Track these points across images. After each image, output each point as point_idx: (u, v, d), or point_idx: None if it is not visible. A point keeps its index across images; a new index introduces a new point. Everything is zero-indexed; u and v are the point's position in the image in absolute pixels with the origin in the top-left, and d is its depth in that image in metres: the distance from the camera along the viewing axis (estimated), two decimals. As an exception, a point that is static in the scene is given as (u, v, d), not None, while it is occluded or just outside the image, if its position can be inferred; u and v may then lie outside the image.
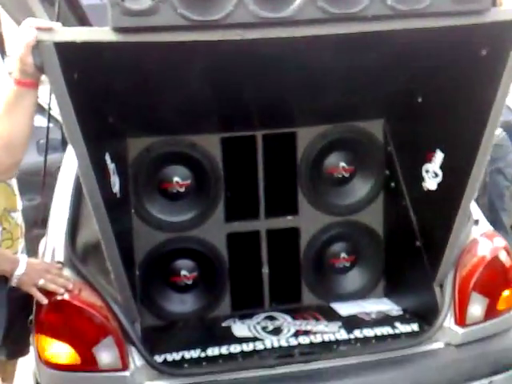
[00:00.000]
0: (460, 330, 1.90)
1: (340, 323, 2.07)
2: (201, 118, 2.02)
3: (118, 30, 1.35)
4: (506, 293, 1.95)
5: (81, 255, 1.83)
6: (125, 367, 1.70)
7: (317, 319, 2.13)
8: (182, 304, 2.24)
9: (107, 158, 1.67)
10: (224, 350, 1.90)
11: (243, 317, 2.18)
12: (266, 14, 1.38)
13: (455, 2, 1.45)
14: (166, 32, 1.36)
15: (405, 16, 1.45)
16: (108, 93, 1.65)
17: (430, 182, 1.95)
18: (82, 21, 2.16)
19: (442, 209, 1.88)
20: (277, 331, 2.04)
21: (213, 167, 2.17)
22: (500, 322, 1.96)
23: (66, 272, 1.78)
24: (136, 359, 1.72)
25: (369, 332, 1.98)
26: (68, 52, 1.35)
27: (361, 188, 2.31)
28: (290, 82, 1.82)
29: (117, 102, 1.73)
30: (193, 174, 2.18)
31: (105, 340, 1.68)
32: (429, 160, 1.93)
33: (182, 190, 2.18)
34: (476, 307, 1.91)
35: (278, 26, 1.41)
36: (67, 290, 1.69)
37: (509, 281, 1.97)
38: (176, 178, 2.17)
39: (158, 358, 1.82)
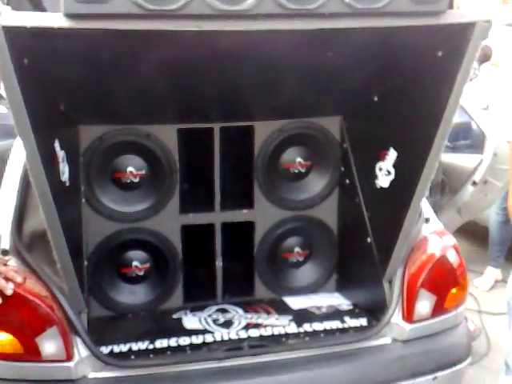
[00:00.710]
0: (407, 326, 1.94)
1: (291, 317, 2.09)
2: (157, 108, 1.99)
3: (71, 16, 1.31)
4: (453, 291, 2.00)
5: (27, 244, 1.79)
6: (69, 358, 1.67)
7: (268, 312, 2.14)
8: (132, 295, 2.21)
9: (56, 145, 1.63)
10: (173, 342, 1.89)
11: (195, 309, 2.18)
12: (224, 7, 1.37)
13: (413, 3, 1.46)
14: (120, 20, 1.34)
15: (362, 14, 1.45)
16: (60, 80, 1.60)
17: (383, 180, 1.99)
18: (37, 7, 2.09)
19: (394, 206, 1.92)
20: (227, 324, 2.04)
21: (168, 158, 2.14)
22: (447, 319, 2.01)
23: (11, 260, 1.73)
24: (81, 350, 1.70)
25: (318, 326, 2.01)
26: (18, 37, 1.31)
27: (316, 184, 2.32)
28: (248, 76, 1.81)
29: (69, 89, 1.69)
30: (147, 164, 2.15)
31: (49, 330, 1.65)
32: (382, 158, 1.96)
33: (136, 180, 2.15)
34: (424, 304, 1.95)
35: (235, 18, 1.40)
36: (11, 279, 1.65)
37: (457, 279, 2.02)
38: (130, 168, 2.13)
39: (105, 349, 1.80)
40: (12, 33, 1.29)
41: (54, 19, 1.32)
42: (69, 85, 1.66)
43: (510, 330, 1.81)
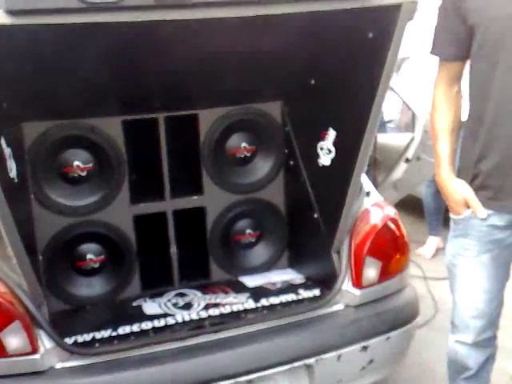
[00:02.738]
0: (357, 292, 2.05)
1: (248, 294, 2.17)
2: (100, 100, 2.01)
3: (11, 12, 1.31)
4: (397, 256, 2.13)
5: None
6: (34, 350, 1.68)
7: (226, 292, 2.21)
8: (89, 288, 2.22)
9: (2, 142, 1.63)
10: (135, 327, 1.93)
11: (154, 296, 2.21)
12: None
13: None
14: (61, 14, 1.35)
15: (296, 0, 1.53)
16: (1, 78, 1.59)
17: (325, 159, 2.08)
18: None
19: (336, 182, 2.02)
20: (187, 306, 2.09)
21: (115, 150, 2.16)
22: (393, 283, 2.14)
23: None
24: (45, 342, 1.71)
25: (274, 300, 2.09)
26: None
27: (262, 167, 2.40)
28: (189, 65, 1.86)
29: (11, 86, 1.68)
30: (94, 157, 2.16)
31: (12, 325, 1.65)
32: (323, 138, 2.05)
33: (84, 173, 2.15)
34: (371, 270, 2.07)
35: (173, 8, 1.44)
36: None
37: (399, 245, 2.15)
38: (76, 162, 2.13)
39: (68, 340, 1.81)
40: None
41: None
42: (10, 82, 1.65)
43: (453, 294, 1.97)
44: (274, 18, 1.56)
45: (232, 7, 1.49)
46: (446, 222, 4.19)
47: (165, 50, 1.70)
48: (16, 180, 1.74)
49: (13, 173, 1.71)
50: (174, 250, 2.32)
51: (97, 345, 1.82)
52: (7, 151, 1.66)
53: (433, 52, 1.86)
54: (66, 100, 1.93)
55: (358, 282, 2.05)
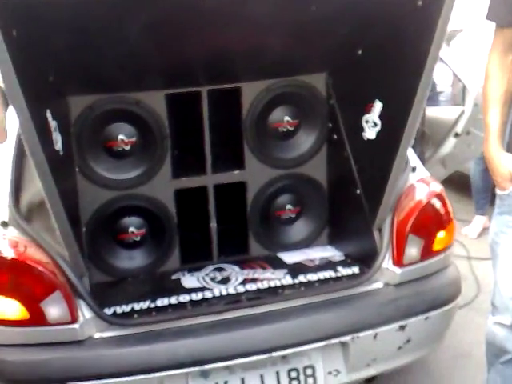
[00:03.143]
0: (398, 270, 2.00)
1: (286, 270, 2.15)
2: (144, 74, 2.01)
3: None
4: (440, 234, 2.06)
5: (25, 214, 1.83)
6: (74, 320, 1.73)
7: (264, 268, 2.20)
8: (130, 260, 2.26)
9: (48, 115, 1.65)
10: (173, 300, 1.95)
11: (192, 270, 2.23)
12: None
13: None
14: None
15: None
16: (48, 51, 1.61)
17: (370, 132, 2.02)
18: None
19: (381, 156, 1.96)
20: (225, 281, 2.10)
21: (158, 124, 2.16)
22: (435, 262, 2.08)
23: (11, 231, 1.77)
24: (85, 312, 1.75)
25: (312, 276, 2.07)
26: (6, 8, 1.32)
27: (305, 141, 2.36)
28: (233, 37, 1.82)
29: (57, 60, 1.70)
30: (138, 131, 2.17)
31: (53, 294, 1.70)
32: (368, 110, 1.99)
33: (128, 147, 2.17)
34: (412, 248, 2.01)
35: None
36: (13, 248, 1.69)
37: (443, 223, 2.08)
38: (121, 136, 2.15)
39: (108, 311, 1.85)
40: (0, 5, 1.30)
41: None
42: (57, 55, 1.67)
43: (494, 273, 1.90)
44: None
45: None
46: (493, 201, 4.08)
47: (207, 22, 1.67)
48: (61, 153, 1.76)
49: (58, 145, 1.73)
50: (213, 224, 2.31)
51: (135, 316, 1.85)
52: (53, 124, 1.68)
53: (488, 18, 1.77)
54: (111, 73, 1.93)
55: (398, 260, 2.00)
